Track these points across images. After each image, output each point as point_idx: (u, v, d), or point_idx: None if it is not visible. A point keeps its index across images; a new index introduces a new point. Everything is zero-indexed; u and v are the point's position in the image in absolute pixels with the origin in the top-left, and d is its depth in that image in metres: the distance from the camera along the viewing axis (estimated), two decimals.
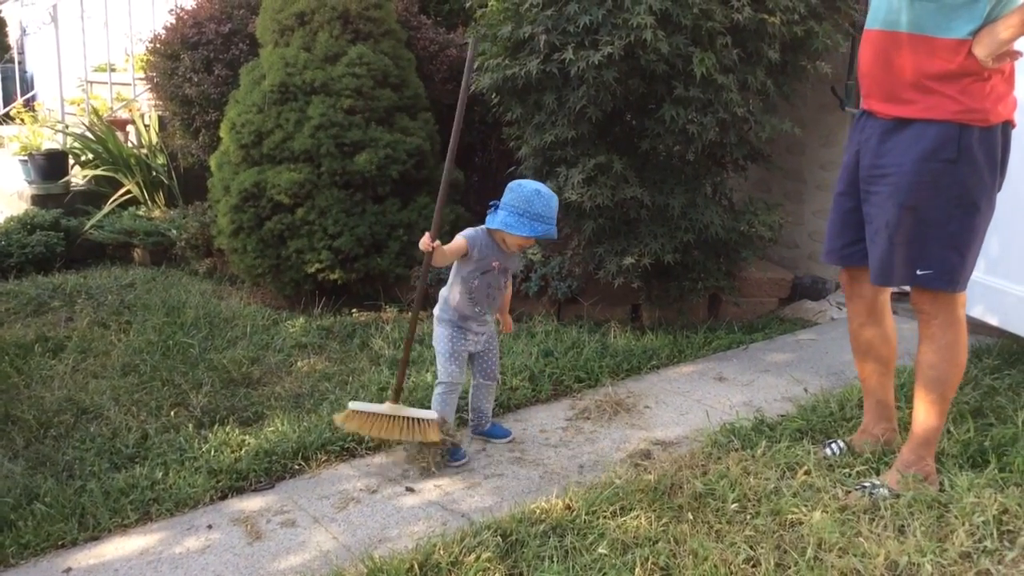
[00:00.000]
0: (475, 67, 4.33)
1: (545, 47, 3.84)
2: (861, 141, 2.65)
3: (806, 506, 2.55)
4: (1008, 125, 2.49)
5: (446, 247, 2.97)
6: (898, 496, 2.58)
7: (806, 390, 3.54)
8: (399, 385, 3.09)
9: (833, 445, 2.92)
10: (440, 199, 2.98)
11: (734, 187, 4.57)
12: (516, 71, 3.96)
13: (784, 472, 2.77)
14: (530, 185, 2.93)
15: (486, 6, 4.27)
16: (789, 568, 2.28)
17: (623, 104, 4.08)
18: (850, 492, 2.63)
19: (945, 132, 2.42)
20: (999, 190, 2.54)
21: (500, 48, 4.12)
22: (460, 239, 3.00)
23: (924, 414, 2.65)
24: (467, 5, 4.60)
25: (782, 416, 3.26)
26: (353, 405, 3.05)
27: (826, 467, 2.80)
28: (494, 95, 4.28)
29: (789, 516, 2.51)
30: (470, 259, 3.01)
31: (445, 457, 3.06)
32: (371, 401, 3.22)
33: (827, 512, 2.51)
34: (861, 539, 2.37)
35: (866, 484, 2.66)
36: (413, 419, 2.99)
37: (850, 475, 2.75)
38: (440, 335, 3.12)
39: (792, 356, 4.02)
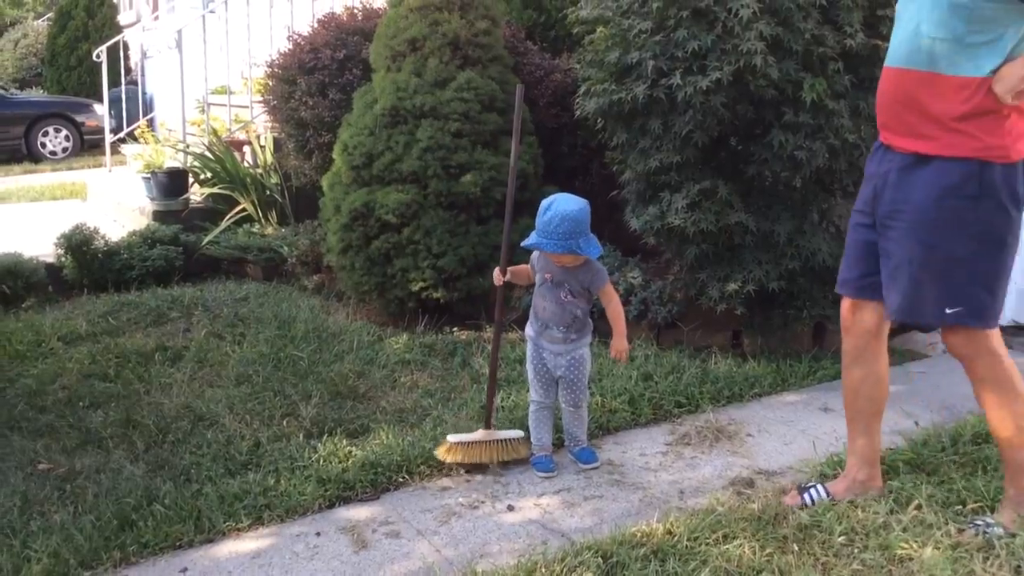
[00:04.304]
0: (580, 92, 4.40)
1: (653, 72, 3.86)
2: (880, 174, 2.59)
3: (917, 542, 2.48)
4: None
5: (516, 268, 3.22)
6: (1013, 536, 2.49)
7: (916, 424, 3.44)
8: (489, 410, 3.27)
9: (813, 491, 2.82)
10: (506, 234, 3.19)
11: (843, 214, 4.49)
12: (622, 96, 3.99)
13: (893, 507, 2.71)
14: (544, 201, 3.03)
15: (593, 32, 4.32)
16: None
17: (729, 129, 4.07)
18: (963, 530, 2.56)
19: (966, 169, 2.39)
20: (1020, 226, 2.49)
21: (606, 74, 4.16)
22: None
23: (1008, 449, 2.57)
24: (574, 32, 4.66)
25: (891, 449, 3.18)
26: (451, 438, 3.22)
27: (938, 503, 2.72)
28: (599, 120, 4.33)
29: (899, 551, 2.45)
30: (535, 274, 3.19)
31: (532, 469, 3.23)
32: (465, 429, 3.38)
33: (939, 549, 2.44)
34: None
35: (979, 522, 2.57)
36: (504, 440, 3.21)
37: (963, 512, 2.67)
38: (526, 354, 3.29)
39: (901, 388, 3.91)
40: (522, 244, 3.11)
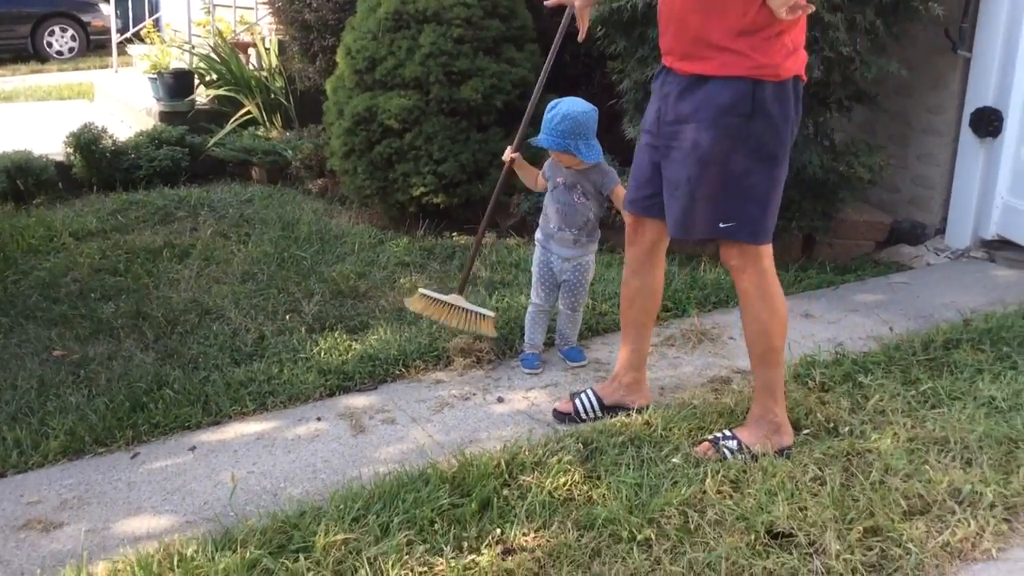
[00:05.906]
0: None
1: None
2: (662, 96, 2.63)
3: (876, 435, 2.65)
4: (798, 80, 2.49)
5: (527, 165, 3.35)
6: (748, 450, 2.60)
7: (891, 329, 3.59)
8: (464, 278, 3.51)
9: (583, 395, 2.97)
10: (526, 117, 3.31)
11: (837, 128, 4.55)
12: (622, 4, 4.03)
13: (858, 402, 2.87)
14: (553, 102, 3.13)
15: None
16: (854, 488, 2.41)
17: None
18: (924, 423, 2.71)
19: (740, 88, 2.42)
20: (792, 143, 2.56)
21: None
22: None
23: (760, 366, 2.68)
24: None
25: (864, 353, 3.33)
26: (423, 290, 3.45)
27: (902, 401, 2.88)
28: (599, 27, 4.36)
29: (858, 443, 2.62)
30: (547, 180, 3.30)
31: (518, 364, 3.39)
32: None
33: (896, 441, 2.61)
34: (927, 467, 2.47)
35: (718, 435, 2.69)
36: (472, 312, 3.37)
37: (926, 404, 2.84)
38: (533, 257, 3.39)
39: (882, 298, 4.04)
40: (529, 140, 3.23)
